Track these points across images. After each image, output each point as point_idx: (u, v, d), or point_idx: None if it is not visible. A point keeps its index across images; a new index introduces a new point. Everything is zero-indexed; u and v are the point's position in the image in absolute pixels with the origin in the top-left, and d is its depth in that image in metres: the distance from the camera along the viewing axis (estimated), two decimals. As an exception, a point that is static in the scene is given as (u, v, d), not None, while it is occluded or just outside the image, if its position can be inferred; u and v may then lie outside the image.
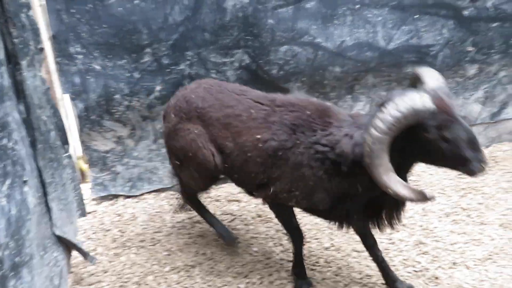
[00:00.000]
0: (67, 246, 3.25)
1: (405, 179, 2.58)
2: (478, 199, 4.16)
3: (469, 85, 4.73)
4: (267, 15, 3.94)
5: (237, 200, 4.23)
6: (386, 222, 2.88)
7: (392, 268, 3.33)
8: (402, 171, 2.55)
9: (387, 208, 2.81)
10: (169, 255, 3.60)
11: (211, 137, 3.08)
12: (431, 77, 2.52)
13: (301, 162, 2.74)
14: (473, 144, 2.29)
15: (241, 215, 4.04)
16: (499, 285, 3.21)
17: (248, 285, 3.31)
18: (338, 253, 3.59)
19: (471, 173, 2.33)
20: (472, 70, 4.67)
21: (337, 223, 3.02)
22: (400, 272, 3.36)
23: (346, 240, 3.71)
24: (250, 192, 3.32)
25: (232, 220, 3.99)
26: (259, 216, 4.01)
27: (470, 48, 4.54)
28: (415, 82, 2.62)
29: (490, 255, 3.50)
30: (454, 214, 3.97)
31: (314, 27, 4.07)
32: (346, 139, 2.61)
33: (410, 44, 4.34)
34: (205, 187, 3.48)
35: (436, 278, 3.32)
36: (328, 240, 3.73)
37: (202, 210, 3.69)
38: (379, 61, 4.33)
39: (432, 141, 2.33)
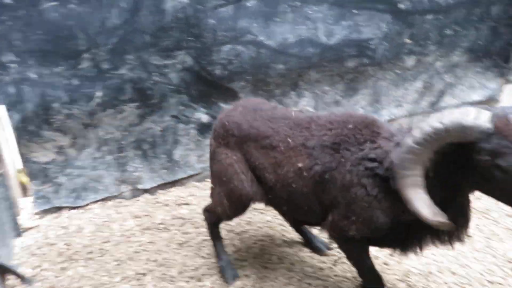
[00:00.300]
0: (1, 270, 3.09)
1: (461, 212, 2.36)
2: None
3: (409, 76, 4.86)
4: (207, 15, 3.90)
5: (186, 204, 4.17)
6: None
7: (343, 258, 3.38)
8: (457, 202, 2.31)
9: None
10: (118, 264, 3.50)
11: (251, 165, 2.91)
12: None
13: (350, 181, 2.46)
14: None
15: (191, 218, 3.98)
16: (445, 267, 3.33)
17: (202, 289, 3.27)
18: (291, 248, 3.61)
19: None
20: (410, 61, 4.80)
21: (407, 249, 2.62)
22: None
23: (297, 236, 3.74)
24: (316, 224, 2.98)
25: (183, 224, 3.93)
26: (210, 218, 3.97)
27: (407, 40, 4.66)
28: None
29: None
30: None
31: (256, 25, 4.06)
32: (397, 151, 2.26)
33: (350, 38, 4.42)
34: (232, 216, 3.22)
35: (386, 264, 3.40)
36: (280, 236, 3.74)
37: (217, 240, 3.46)
38: (321, 57, 4.38)
39: (485, 168, 1.98)
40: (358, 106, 4.76)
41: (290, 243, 3.67)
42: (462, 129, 1.94)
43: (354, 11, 4.33)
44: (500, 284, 3.17)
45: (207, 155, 4.34)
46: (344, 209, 2.52)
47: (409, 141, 2.08)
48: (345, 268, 3.38)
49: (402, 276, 3.28)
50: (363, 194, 2.41)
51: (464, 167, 2.09)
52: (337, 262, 3.46)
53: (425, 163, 2.11)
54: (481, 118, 1.92)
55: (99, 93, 3.82)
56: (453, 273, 3.30)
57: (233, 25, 3.99)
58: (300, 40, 4.23)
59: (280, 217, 3.93)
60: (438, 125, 1.98)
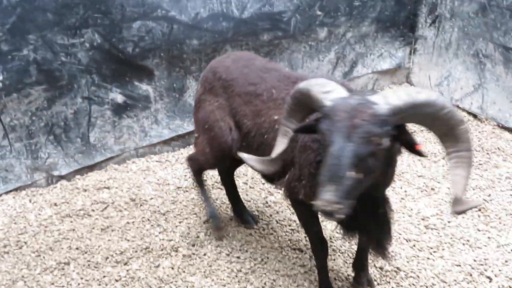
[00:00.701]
0: None
1: None
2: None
3: (322, 47, 4.97)
4: (114, -10, 3.74)
5: (107, 187, 4.04)
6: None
7: (270, 230, 3.44)
8: None
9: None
10: (38, 256, 3.34)
11: (232, 111, 2.92)
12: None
13: (305, 144, 2.43)
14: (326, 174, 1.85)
15: (113, 202, 3.86)
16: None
17: (129, 272, 3.20)
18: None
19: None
20: (322, 33, 4.91)
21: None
22: (278, 232, 3.49)
23: (224, 210, 3.74)
24: (271, 179, 2.92)
25: (105, 208, 3.80)
26: (133, 200, 3.88)
27: (318, 12, 4.75)
28: None
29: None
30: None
31: (167, 0, 3.95)
32: None
33: (263, 12, 4.42)
34: (214, 165, 3.28)
35: (310, 232, 3.50)
36: (206, 213, 3.73)
37: (202, 188, 3.49)
38: (235, 31, 4.35)
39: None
40: (275, 79, 4.81)
41: (216, 218, 3.67)
42: (308, 95, 2.08)
43: (265, -17, 4.34)
44: (416, 241, 3.37)
45: (125, 136, 4.24)
46: (297, 170, 2.52)
47: (288, 97, 2.26)
48: (272, 240, 3.45)
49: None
50: (312, 159, 2.39)
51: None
52: (264, 235, 3.50)
53: (298, 120, 2.24)
54: (328, 93, 1.99)
55: (0, 77, 3.56)
56: (373, 232, 3.46)
57: (142, 0, 3.85)
58: (212, 14, 4.17)
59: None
60: (299, 85, 2.14)
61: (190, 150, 4.52)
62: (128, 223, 3.66)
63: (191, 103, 4.43)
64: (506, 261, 3.12)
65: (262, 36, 4.54)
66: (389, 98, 1.89)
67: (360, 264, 2.94)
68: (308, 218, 2.77)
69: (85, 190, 4.01)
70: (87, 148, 4.13)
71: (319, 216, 2.73)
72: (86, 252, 3.37)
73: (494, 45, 4.55)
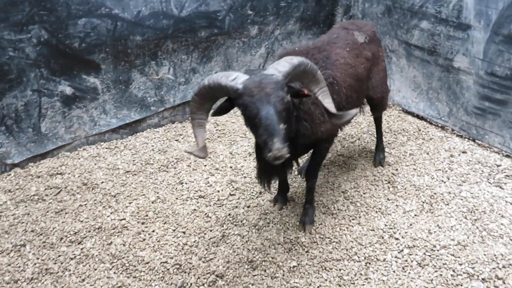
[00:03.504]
0: None
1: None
2: (272, 137, 4.46)
3: (253, 43, 4.96)
4: (59, -11, 3.51)
5: (60, 173, 3.85)
6: None
7: (212, 207, 3.42)
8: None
9: None
10: (-6, 240, 3.14)
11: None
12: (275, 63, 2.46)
13: None
14: (268, 131, 2.19)
15: (66, 187, 3.69)
16: (297, 195, 3.55)
17: (84, 250, 3.08)
18: (164, 203, 3.55)
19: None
20: (254, 30, 4.89)
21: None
22: (218, 209, 3.47)
23: (170, 191, 3.68)
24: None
25: (58, 192, 3.63)
26: (85, 184, 3.73)
27: (250, 12, 4.72)
28: None
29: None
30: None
31: (110, -1, 3.78)
32: None
33: (200, 11, 4.34)
34: None
35: (248, 207, 3.51)
36: (154, 194, 3.65)
37: None
38: (175, 28, 4.24)
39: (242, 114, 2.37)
40: (213, 71, 4.75)
41: (163, 199, 3.60)
42: (220, 87, 2.34)
43: (202, -15, 4.25)
44: (339, 210, 3.47)
45: (76, 126, 4.05)
46: None
47: (194, 96, 2.48)
48: (213, 217, 3.43)
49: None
50: None
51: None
52: (206, 212, 3.49)
53: (207, 110, 2.50)
54: (236, 79, 2.31)
55: None
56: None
57: (87, -1, 3.67)
58: (153, 12, 4.04)
59: (154, 176, 3.84)
60: (205, 81, 2.39)
61: (138, 137, 4.40)
62: (81, 205, 3.52)
63: (137, 94, 4.29)
64: (410, 225, 3.29)
65: (200, 33, 4.46)
66: (278, 68, 2.36)
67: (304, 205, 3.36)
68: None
69: (39, 177, 3.80)
70: (39, 137, 3.91)
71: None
72: (41, 234, 3.22)
73: (398, 41, 4.73)
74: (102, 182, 3.77)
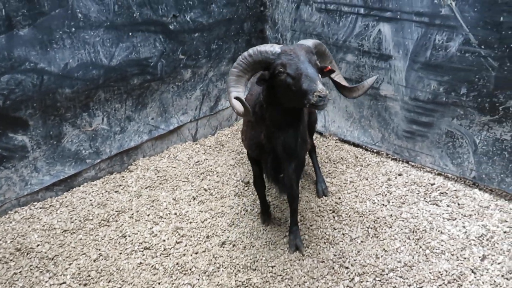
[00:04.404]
0: None
1: (288, 128, 2.88)
2: (215, 178, 4.43)
3: (188, 86, 4.97)
4: (-22, 46, 3.35)
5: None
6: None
7: (156, 257, 3.28)
8: (279, 122, 2.84)
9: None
10: None
11: None
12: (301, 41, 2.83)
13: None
14: (309, 77, 2.47)
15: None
16: (245, 235, 3.50)
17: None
18: (107, 260, 3.37)
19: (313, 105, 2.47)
20: (187, 74, 4.90)
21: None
22: (170, 259, 3.34)
23: (113, 246, 3.50)
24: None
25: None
26: (18, 250, 3.46)
27: (181, 56, 4.74)
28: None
29: (232, 221, 3.77)
30: (199, 196, 4.14)
31: (34, 53, 3.64)
32: None
33: (131, 58, 4.29)
34: None
35: (196, 253, 3.41)
36: (95, 251, 3.46)
37: None
38: (106, 77, 4.16)
39: (281, 79, 2.57)
40: (149, 118, 4.68)
41: (106, 256, 3.41)
42: (260, 53, 2.65)
43: (130, 34, 4.22)
44: (287, 245, 3.45)
45: (5, 187, 3.80)
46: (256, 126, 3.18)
47: (231, 68, 2.72)
48: (160, 266, 3.30)
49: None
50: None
51: (273, 85, 2.68)
52: (146, 263, 3.34)
53: (244, 84, 2.73)
54: (273, 46, 2.64)
55: None
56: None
57: (8, 54, 3.51)
58: (82, 63, 3.94)
59: (95, 232, 3.64)
60: (245, 53, 2.69)
61: (74, 193, 4.19)
62: (15, 273, 3.25)
63: (70, 148, 4.12)
64: (358, 252, 3.33)
65: (133, 81, 4.40)
66: (308, 42, 2.77)
67: (290, 229, 3.50)
68: (253, 165, 3.51)
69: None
70: (-38, 204, 3.61)
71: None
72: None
73: (328, 74, 4.93)
74: (38, 245, 3.52)
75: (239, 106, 2.62)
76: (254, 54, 2.66)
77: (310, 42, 2.78)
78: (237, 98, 2.61)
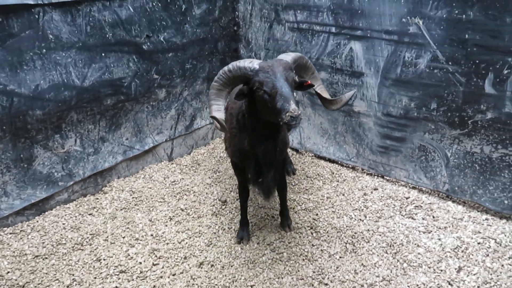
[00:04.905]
0: None
1: (264, 139, 2.97)
2: (191, 198, 4.38)
3: (163, 106, 4.94)
4: None
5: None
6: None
7: (132, 281, 3.20)
8: (259, 132, 2.93)
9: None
10: None
11: None
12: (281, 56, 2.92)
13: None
14: (283, 96, 2.56)
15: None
16: (223, 255, 3.45)
17: None
18: (81, 286, 3.27)
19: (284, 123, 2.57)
20: (162, 94, 4.88)
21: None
22: (147, 282, 3.26)
23: (87, 271, 3.40)
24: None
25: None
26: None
27: (155, 76, 4.72)
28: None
29: (210, 241, 3.72)
30: (176, 216, 4.09)
31: (3, 75, 3.57)
32: None
33: (104, 79, 4.25)
34: None
35: (174, 275, 3.34)
36: (69, 276, 3.35)
37: None
38: (79, 98, 4.10)
39: (258, 94, 2.68)
40: (124, 138, 4.62)
41: (80, 281, 3.31)
42: (239, 68, 2.74)
43: (103, 54, 4.18)
44: (265, 263, 3.41)
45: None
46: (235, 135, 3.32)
47: (213, 83, 2.82)
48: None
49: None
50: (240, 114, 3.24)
51: (251, 99, 2.80)
52: (121, 287, 3.26)
53: (225, 96, 2.83)
54: (252, 62, 2.73)
55: None
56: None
57: (-22, 77, 3.43)
58: (53, 85, 3.88)
59: (68, 257, 3.53)
60: (225, 68, 2.78)
61: (46, 216, 4.07)
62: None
63: (42, 171, 4.01)
64: (337, 267, 3.33)
65: (106, 101, 4.35)
66: (286, 56, 2.85)
67: (282, 212, 3.82)
68: (237, 172, 3.58)
69: None
70: None
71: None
72: None
73: (302, 92, 4.99)
74: (8, 272, 3.38)
75: (217, 122, 2.72)
76: (233, 70, 2.76)
77: (289, 57, 2.86)
78: (213, 117, 2.72)
